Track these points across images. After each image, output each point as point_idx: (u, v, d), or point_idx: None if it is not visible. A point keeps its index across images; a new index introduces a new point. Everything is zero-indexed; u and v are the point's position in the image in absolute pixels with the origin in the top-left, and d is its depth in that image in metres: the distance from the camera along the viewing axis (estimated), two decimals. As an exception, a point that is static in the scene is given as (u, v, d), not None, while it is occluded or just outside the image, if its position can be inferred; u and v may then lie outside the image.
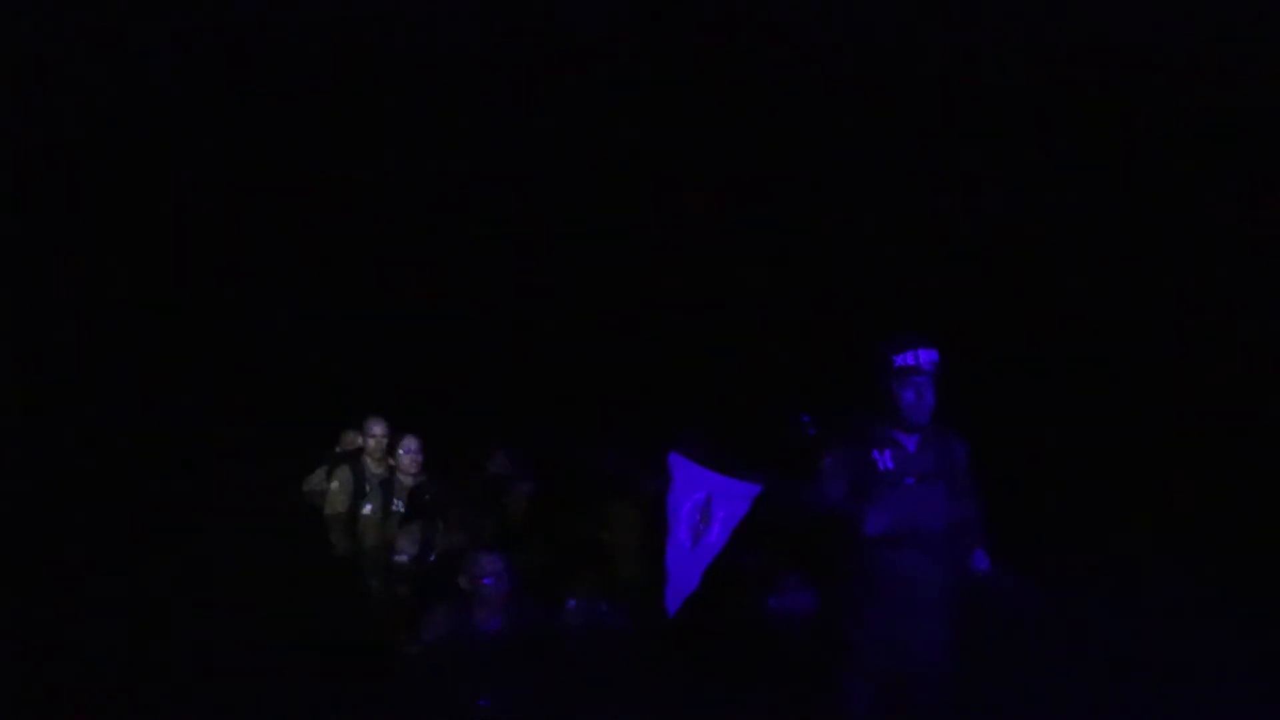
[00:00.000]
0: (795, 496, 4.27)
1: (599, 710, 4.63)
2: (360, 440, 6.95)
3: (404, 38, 8.39)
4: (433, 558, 5.75)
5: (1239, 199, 7.86)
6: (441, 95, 8.97)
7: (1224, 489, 7.08)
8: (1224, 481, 7.14)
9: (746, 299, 9.12)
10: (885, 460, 4.10)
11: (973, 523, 4.23)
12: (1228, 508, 6.90)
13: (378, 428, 6.90)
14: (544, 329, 9.30)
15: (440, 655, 4.82)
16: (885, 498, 4.03)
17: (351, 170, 9.26)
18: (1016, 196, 8.55)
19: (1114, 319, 8.32)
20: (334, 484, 6.76)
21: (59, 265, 8.71)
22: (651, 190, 9.27)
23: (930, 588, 4.09)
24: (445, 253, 9.54)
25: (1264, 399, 7.49)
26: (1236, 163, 7.81)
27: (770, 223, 9.13)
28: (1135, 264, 8.34)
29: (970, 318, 7.59)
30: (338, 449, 7.19)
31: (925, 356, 4.06)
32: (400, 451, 6.70)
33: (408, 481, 6.65)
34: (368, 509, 6.59)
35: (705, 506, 4.45)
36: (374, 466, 6.80)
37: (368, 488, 6.70)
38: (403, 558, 5.88)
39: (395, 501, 6.62)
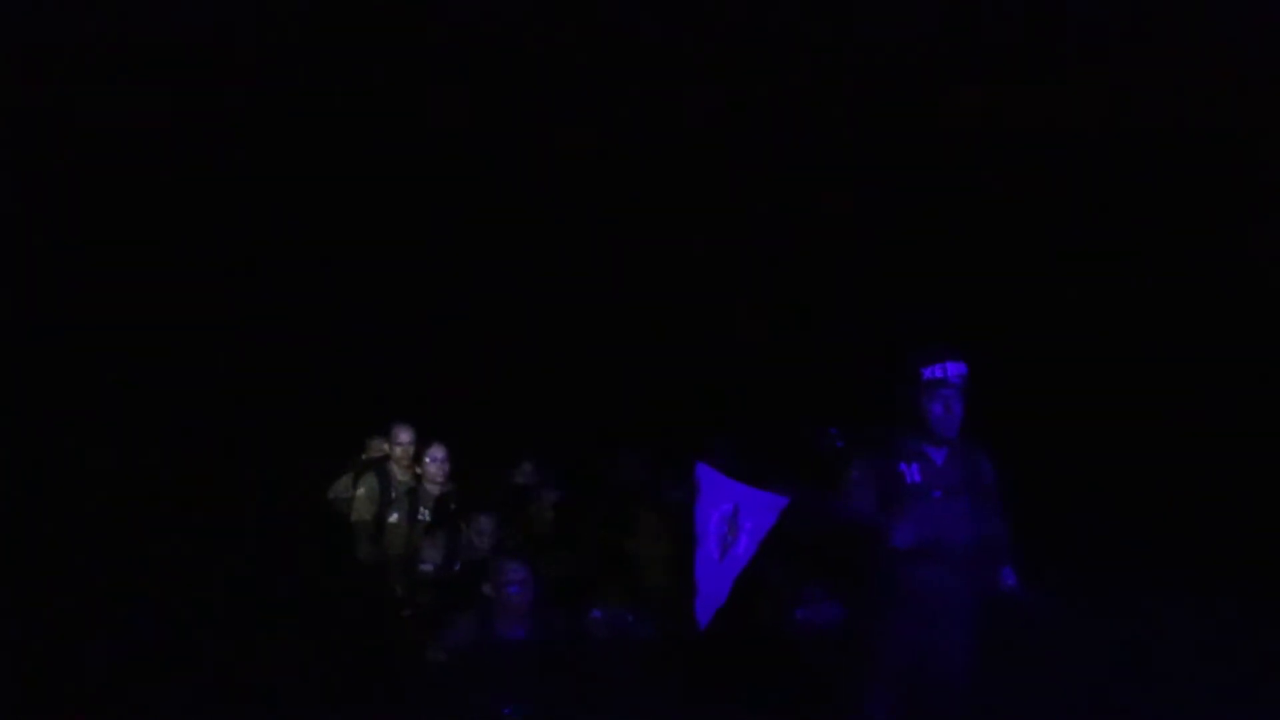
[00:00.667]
0: (822, 508, 4.26)
1: (623, 720, 4.64)
2: (387, 448, 6.96)
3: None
4: (458, 566, 5.75)
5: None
6: (472, 104, 9.03)
7: (1252, 505, 7.03)
8: (1252, 498, 7.09)
9: (775, 311, 9.11)
10: (912, 473, 4.09)
11: (999, 537, 4.21)
12: (1255, 524, 6.85)
13: (405, 435, 6.91)
14: (572, 339, 9.31)
15: (464, 663, 4.83)
16: (912, 511, 4.02)
17: (385, 178, 9.31)
18: (1048, 212, 8.52)
19: (1142, 335, 8.28)
20: (360, 491, 6.77)
21: (82, 269, 8.78)
22: (680, 201, 9.28)
23: (955, 601, 4.07)
24: (473, 261, 9.56)
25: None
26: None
27: (801, 235, 9.12)
28: (1170, 279, 8.29)
29: (1000, 332, 7.58)
30: (364, 456, 7.20)
31: (953, 370, 4.05)
32: (426, 460, 6.71)
33: (434, 490, 6.66)
34: (394, 517, 6.60)
35: (733, 518, 4.45)
36: (400, 474, 6.80)
37: (394, 495, 6.71)
38: (428, 566, 5.89)
39: (421, 510, 6.63)
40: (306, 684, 4.81)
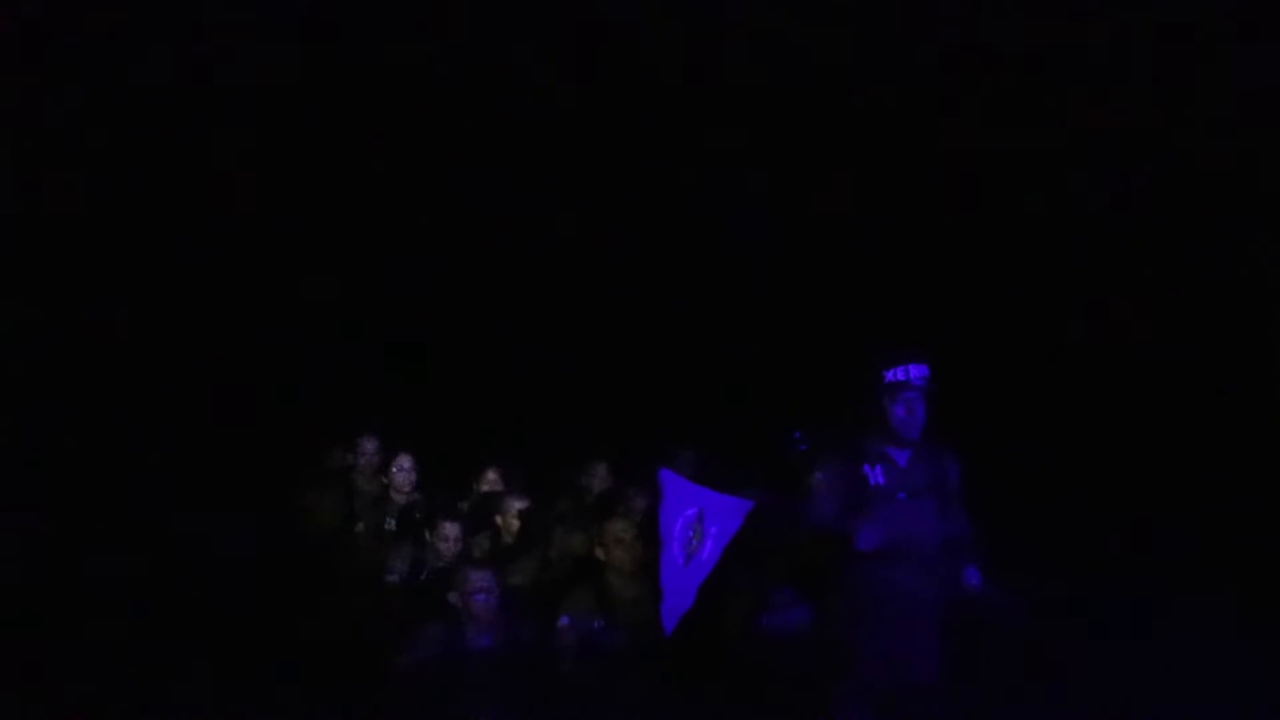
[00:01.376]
0: (787, 512, 4.28)
1: (592, 728, 4.63)
2: (352, 458, 6.93)
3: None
4: (424, 575, 5.72)
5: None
6: (435, 116, 9.03)
7: (1216, 503, 7.09)
8: (1216, 495, 7.15)
9: (738, 315, 9.12)
10: (876, 476, 4.12)
11: (965, 537, 4.24)
12: (1220, 522, 6.91)
13: (370, 445, 6.88)
14: (536, 346, 9.29)
15: (433, 673, 4.80)
16: (877, 513, 4.04)
17: (344, 188, 9.26)
18: (1008, 211, 8.58)
19: (1106, 333, 8.35)
20: (325, 502, 6.73)
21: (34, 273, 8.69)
22: (640, 208, 9.29)
23: (923, 602, 4.10)
24: (435, 269, 9.53)
25: (1258, 412, 7.53)
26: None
27: (762, 239, 9.14)
28: (1127, 276, 8.36)
29: (961, 333, 7.63)
30: (329, 466, 7.16)
31: (916, 372, 4.08)
32: (394, 469, 6.68)
33: (400, 499, 6.63)
34: (359, 527, 6.56)
35: (697, 523, 4.46)
36: (366, 484, 6.77)
37: (359, 506, 6.67)
38: (394, 576, 5.85)
39: (387, 520, 6.60)
40: (273, 697, 4.76)
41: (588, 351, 9.19)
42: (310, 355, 9.09)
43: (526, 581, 5.60)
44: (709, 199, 9.24)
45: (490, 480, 6.60)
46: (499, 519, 6.12)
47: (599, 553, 5.17)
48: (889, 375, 4.08)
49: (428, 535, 5.84)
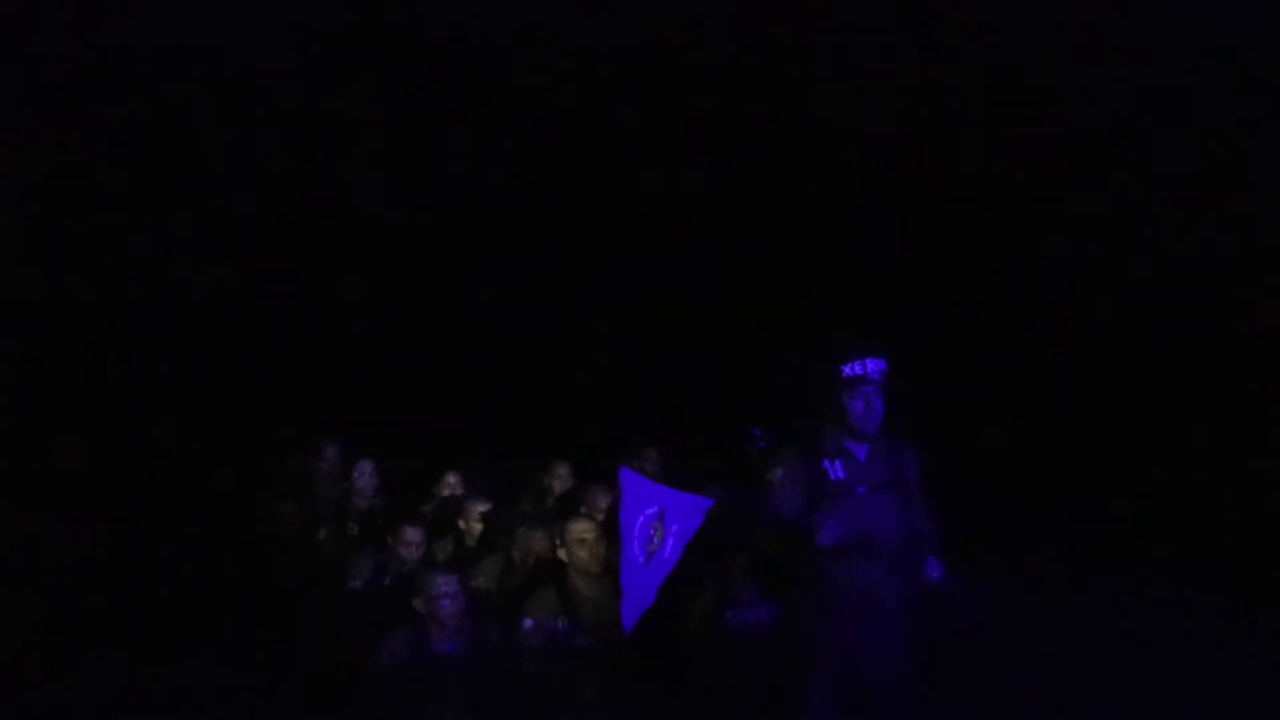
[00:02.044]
0: (748, 509, 4.29)
1: (559, 729, 4.62)
2: (313, 463, 6.90)
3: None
4: (388, 581, 5.70)
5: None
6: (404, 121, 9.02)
7: (1175, 491, 7.16)
8: (1175, 484, 7.22)
9: (696, 312, 9.14)
10: (836, 470, 4.14)
11: (926, 531, 4.26)
12: (1180, 511, 6.98)
13: (331, 451, 6.85)
14: (494, 349, 9.26)
15: (399, 679, 4.78)
16: (837, 508, 4.06)
17: (301, 192, 9.21)
18: (964, 203, 8.63)
19: (1063, 322, 8.40)
20: (287, 507, 6.69)
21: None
22: (603, 208, 9.29)
23: (885, 596, 4.12)
24: (395, 272, 9.49)
25: (1214, 397, 7.60)
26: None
27: (718, 235, 9.16)
28: (1085, 264, 8.42)
29: (919, 326, 7.67)
30: (291, 472, 7.12)
31: (873, 366, 4.12)
32: (355, 474, 6.66)
33: (362, 505, 6.60)
34: (322, 533, 6.54)
35: (658, 521, 4.47)
36: (327, 490, 6.74)
37: (321, 511, 6.64)
38: (357, 582, 5.82)
39: (350, 525, 6.58)
40: (237, 705, 4.73)
41: (547, 351, 9.18)
42: (270, 360, 9.02)
43: (490, 584, 5.59)
44: (668, 196, 9.24)
45: (451, 484, 6.59)
46: (461, 523, 6.11)
47: (561, 553, 5.17)
48: (847, 370, 4.11)
49: (390, 540, 5.82)
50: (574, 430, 7.50)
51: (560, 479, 6.50)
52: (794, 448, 4.27)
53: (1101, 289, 8.26)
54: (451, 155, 9.31)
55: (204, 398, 8.88)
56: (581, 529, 5.15)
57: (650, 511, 4.50)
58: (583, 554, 5.09)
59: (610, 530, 5.00)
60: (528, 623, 5.01)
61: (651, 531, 4.47)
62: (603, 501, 5.49)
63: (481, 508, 6.06)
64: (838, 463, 4.14)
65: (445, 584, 4.91)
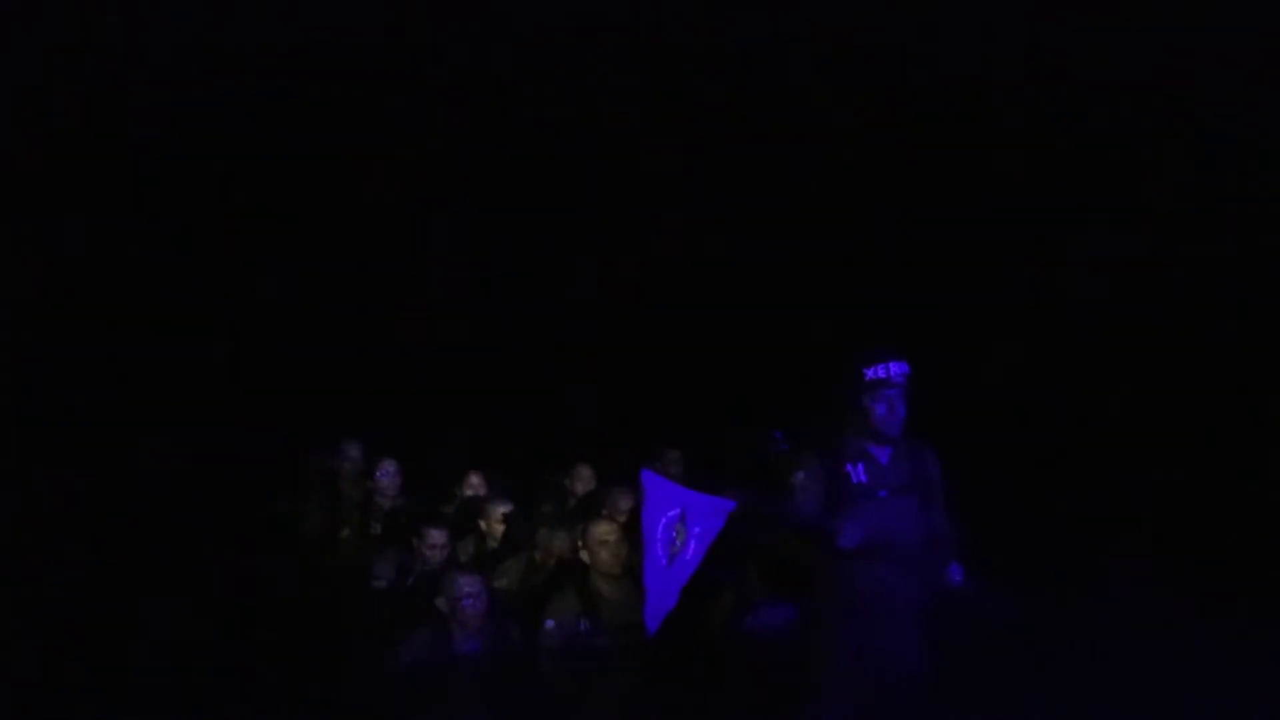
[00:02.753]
0: (770, 512, 4.29)
1: (580, 731, 4.63)
2: (335, 463, 6.92)
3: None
4: (411, 581, 5.72)
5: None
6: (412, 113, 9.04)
7: (1198, 497, 7.11)
8: (1198, 489, 7.17)
9: (719, 314, 9.13)
10: (858, 474, 4.13)
11: (947, 535, 4.26)
12: (1202, 517, 6.94)
13: (353, 450, 6.87)
14: (517, 350, 9.27)
15: (420, 679, 4.80)
16: (859, 511, 4.05)
17: (334, 187, 9.25)
18: (984, 207, 8.60)
19: (1086, 326, 8.37)
20: (309, 507, 6.73)
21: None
22: (626, 213, 9.30)
23: (905, 600, 4.11)
24: (417, 274, 9.52)
25: (1238, 407, 7.55)
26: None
27: (740, 238, 9.16)
28: (1107, 267, 8.38)
29: (942, 329, 7.65)
30: (313, 472, 7.15)
31: (896, 369, 4.10)
32: (378, 474, 6.68)
33: (385, 504, 6.63)
34: (345, 532, 6.56)
35: (680, 523, 4.47)
36: (350, 489, 6.77)
37: (344, 511, 6.67)
38: (381, 582, 5.85)
39: (373, 524, 6.60)
40: (260, 703, 4.75)
41: (569, 353, 9.19)
42: (293, 359, 9.06)
43: (512, 585, 5.60)
44: (688, 200, 9.25)
45: (473, 485, 6.61)
46: (483, 523, 6.13)
47: (583, 555, 5.18)
48: (870, 373, 4.10)
49: (414, 541, 5.84)
50: (596, 432, 7.51)
51: (582, 480, 6.51)
52: (816, 451, 4.26)
53: (1136, 283, 8.21)
54: (481, 156, 9.34)
55: (227, 396, 8.91)
56: (603, 531, 5.15)
57: (672, 513, 4.50)
58: (604, 555, 5.10)
59: (632, 532, 5.01)
60: (549, 624, 5.02)
61: (674, 534, 4.47)
62: (624, 503, 5.49)
63: (503, 509, 6.08)
64: (860, 466, 4.13)
65: (468, 584, 4.92)
